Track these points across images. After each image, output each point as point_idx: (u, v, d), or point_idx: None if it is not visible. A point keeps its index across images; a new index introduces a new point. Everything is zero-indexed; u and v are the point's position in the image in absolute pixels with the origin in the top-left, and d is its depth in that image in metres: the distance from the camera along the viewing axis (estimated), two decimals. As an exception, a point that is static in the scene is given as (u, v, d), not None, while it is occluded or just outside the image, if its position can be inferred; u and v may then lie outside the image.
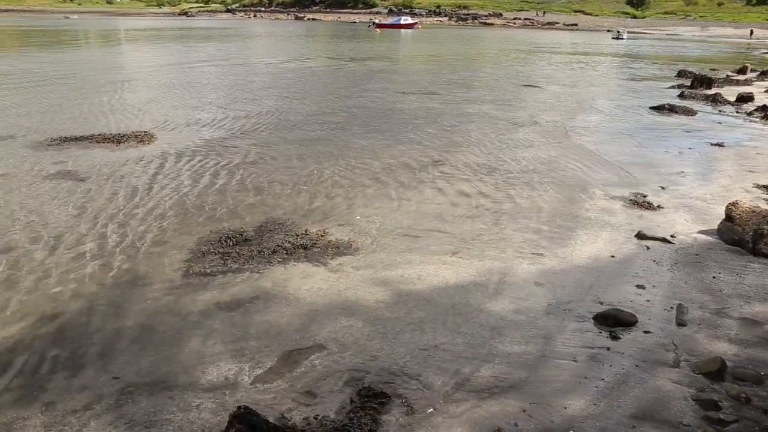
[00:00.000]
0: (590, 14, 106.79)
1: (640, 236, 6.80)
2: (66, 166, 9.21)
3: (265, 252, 6.12)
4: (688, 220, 7.44)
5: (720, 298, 5.40)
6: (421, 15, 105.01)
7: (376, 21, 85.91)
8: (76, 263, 5.84)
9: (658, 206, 7.91)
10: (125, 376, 4.09)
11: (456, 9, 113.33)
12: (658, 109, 16.02)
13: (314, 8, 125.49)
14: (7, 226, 6.74)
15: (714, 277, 5.81)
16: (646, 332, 4.79)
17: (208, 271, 5.70)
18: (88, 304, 5.07)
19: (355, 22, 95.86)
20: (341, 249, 6.28)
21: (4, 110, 13.81)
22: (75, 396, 3.88)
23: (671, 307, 5.19)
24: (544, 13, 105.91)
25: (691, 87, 20.39)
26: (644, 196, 8.29)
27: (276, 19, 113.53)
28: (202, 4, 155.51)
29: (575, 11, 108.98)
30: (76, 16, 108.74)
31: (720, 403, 3.87)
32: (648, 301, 5.32)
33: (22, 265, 5.76)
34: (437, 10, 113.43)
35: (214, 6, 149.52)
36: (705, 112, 15.86)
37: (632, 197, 8.23)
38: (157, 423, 3.64)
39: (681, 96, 18.52)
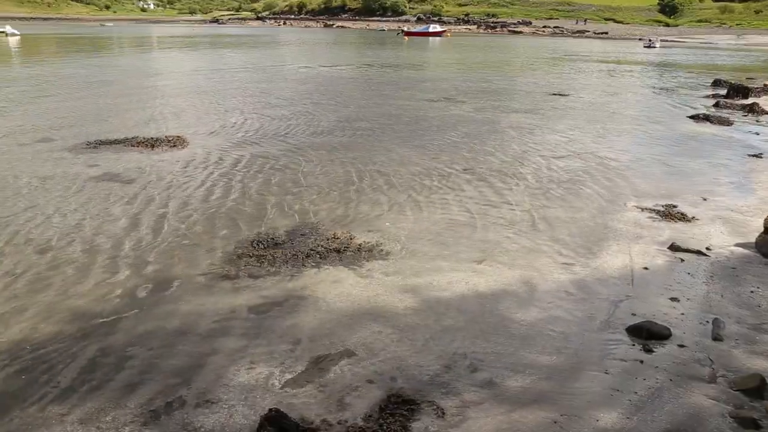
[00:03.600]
0: (621, 22, 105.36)
1: (674, 248, 6.66)
2: (102, 169, 9.43)
3: (299, 256, 6.17)
4: (724, 232, 7.28)
5: (758, 313, 5.26)
6: (449, 23, 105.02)
7: (405, 29, 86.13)
8: (112, 264, 5.96)
9: (693, 218, 7.75)
10: (157, 377, 4.16)
11: (485, 17, 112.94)
12: (693, 118, 15.73)
13: (343, 16, 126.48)
14: (44, 226, 6.92)
15: (752, 292, 5.66)
16: (681, 346, 4.69)
17: (239, 274, 5.77)
18: (122, 303, 5.17)
19: (383, 30, 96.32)
20: (371, 255, 6.30)
21: (42, 114, 14.22)
22: (108, 397, 3.95)
23: (707, 321, 5.07)
24: (585, 21, 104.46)
25: (727, 96, 19.96)
26: (678, 208, 8.13)
27: (305, 26, 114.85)
28: (233, 12, 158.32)
29: (606, 19, 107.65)
30: (111, 24, 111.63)
31: (760, 422, 3.76)
32: (682, 314, 5.21)
33: (57, 265, 5.91)
34: (466, 18, 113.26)
35: (244, 14, 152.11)
36: (742, 122, 15.51)
37: (666, 208, 8.08)
38: (190, 424, 3.68)
39: (716, 106, 18.15)
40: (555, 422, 3.76)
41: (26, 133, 12.04)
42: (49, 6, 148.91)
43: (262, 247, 6.42)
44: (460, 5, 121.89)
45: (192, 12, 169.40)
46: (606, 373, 4.31)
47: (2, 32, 55.95)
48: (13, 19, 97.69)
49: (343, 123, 14.06)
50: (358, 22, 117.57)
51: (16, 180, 8.72)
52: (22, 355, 4.37)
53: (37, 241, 6.48)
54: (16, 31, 57.25)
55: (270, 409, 3.55)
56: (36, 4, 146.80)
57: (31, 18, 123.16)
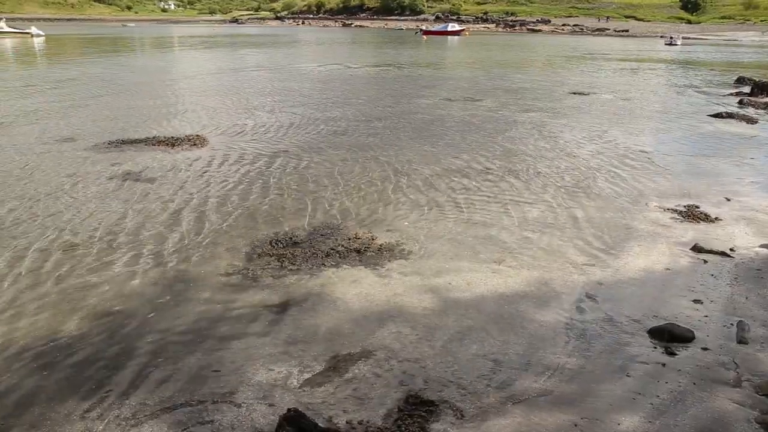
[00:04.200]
0: (642, 20, 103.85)
1: (697, 249, 6.55)
2: (124, 168, 9.56)
3: (319, 255, 6.19)
4: (749, 233, 7.14)
5: (784, 315, 5.15)
6: (468, 22, 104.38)
7: (423, 28, 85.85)
8: (132, 261, 6.03)
9: (716, 218, 7.62)
10: (176, 375, 4.20)
11: (503, 16, 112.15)
12: (716, 117, 15.46)
13: (361, 15, 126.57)
14: (69, 223, 7.03)
15: (778, 294, 5.54)
16: (704, 349, 4.61)
17: (261, 273, 5.80)
18: (142, 301, 5.23)
19: (401, 29, 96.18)
20: (389, 254, 6.29)
21: (66, 114, 14.45)
22: (126, 394, 3.99)
23: (731, 324, 4.98)
24: (608, 18, 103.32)
25: (751, 94, 19.57)
26: (701, 208, 8.00)
27: (324, 26, 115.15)
28: (252, 12, 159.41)
29: (627, 17, 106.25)
30: (133, 24, 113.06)
31: (786, 427, 3.68)
32: (706, 316, 5.13)
33: (79, 262, 5.99)
34: (484, 17, 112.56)
35: (263, 13, 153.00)
36: (767, 120, 15.20)
37: (688, 208, 7.95)
38: (209, 422, 3.71)
39: (740, 103, 17.82)
40: (575, 425, 3.72)
41: (50, 132, 12.24)
42: (72, 7, 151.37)
43: (281, 246, 6.45)
44: (478, 4, 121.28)
45: (212, 12, 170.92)
46: (627, 376, 4.26)
47: (28, 33, 57.03)
48: (38, 20, 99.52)
49: (361, 123, 14.07)
50: (376, 21, 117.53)
51: (42, 178, 8.87)
52: (44, 351, 4.44)
53: (61, 239, 6.58)
54: (41, 32, 58.28)
55: (289, 409, 3.56)
56: (60, 5, 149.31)
57: (56, 19, 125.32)
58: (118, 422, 3.70)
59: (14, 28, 59.17)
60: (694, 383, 4.17)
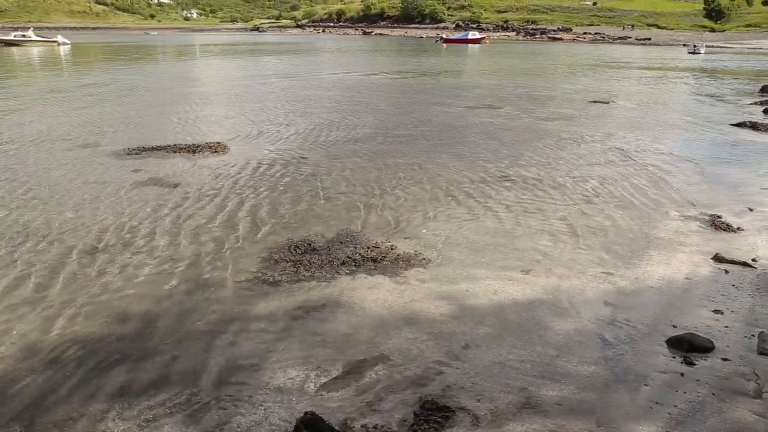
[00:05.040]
0: (665, 28, 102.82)
1: (718, 259, 6.48)
2: (146, 174, 9.73)
3: (335, 262, 6.25)
4: (772, 243, 7.04)
5: (807, 327, 5.07)
6: (488, 30, 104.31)
7: (444, 36, 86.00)
8: (151, 266, 6.15)
9: (738, 228, 7.52)
10: (195, 377, 4.27)
11: (524, 24, 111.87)
12: (740, 126, 15.25)
13: (381, 23, 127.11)
14: (93, 228, 7.18)
15: (800, 305, 5.46)
16: (724, 359, 4.56)
17: (278, 278, 5.87)
18: (160, 306, 5.32)
19: (421, 37, 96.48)
20: (407, 261, 6.32)
21: (89, 121, 14.75)
22: (146, 395, 4.07)
23: (752, 335, 4.92)
24: (633, 27, 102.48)
25: (776, 103, 19.30)
26: (723, 218, 7.90)
27: (344, 33, 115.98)
28: (273, 20, 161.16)
29: (649, 25, 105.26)
30: (156, 33, 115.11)
31: (807, 439, 3.63)
32: (726, 327, 5.07)
33: (101, 266, 6.12)
34: (505, 25, 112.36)
35: (284, 22, 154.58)
36: (791, 130, 14.95)
37: (710, 218, 7.86)
38: (227, 424, 3.77)
39: (765, 112, 17.56)
40: (592, 434, 3.71)
41: (73, 139, 12.51)
42: (97, 16, 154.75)
43: (300, 252, 6.51)
44: (499, 12, 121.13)
45: (233, 20, 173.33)
46: (645, 385, 4.23)
47: (54, 42, 58.44)
48: (64, 29, 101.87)
49: (380, 131, 14.14)
50: (396, 29, 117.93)
51: (65, 185, 9.07)
52: (67, 352, 4.55)
53: (86, 243, 6.73)
54: (67, 41, 59.73)
55: (306, 412, 3.61)
56: (85, 14, 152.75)
57: (81, 27, 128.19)
58: (138, 422, 3.78)
59: (42, 37, 60.66)
60: (713, 394, 4.13)
